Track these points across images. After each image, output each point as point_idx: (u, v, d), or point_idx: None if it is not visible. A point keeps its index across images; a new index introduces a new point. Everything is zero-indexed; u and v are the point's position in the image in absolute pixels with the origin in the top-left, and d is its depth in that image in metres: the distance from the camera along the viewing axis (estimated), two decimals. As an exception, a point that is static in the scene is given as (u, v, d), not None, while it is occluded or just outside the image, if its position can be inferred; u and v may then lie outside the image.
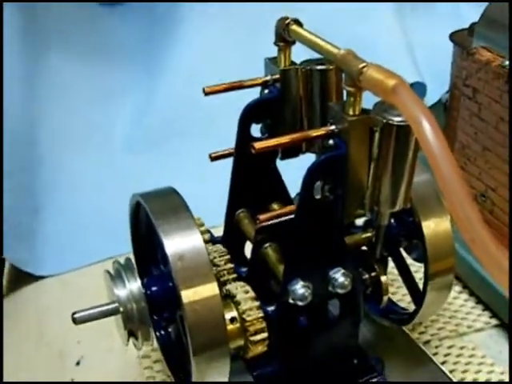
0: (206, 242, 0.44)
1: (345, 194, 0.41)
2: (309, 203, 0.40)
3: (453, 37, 0.64)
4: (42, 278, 0.65)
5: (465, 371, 0.53)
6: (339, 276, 0.43)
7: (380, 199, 0.41)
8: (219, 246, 0.46)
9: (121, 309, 0.42)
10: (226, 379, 0.42)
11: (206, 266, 0.40)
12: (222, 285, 0.43)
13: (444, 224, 0.45)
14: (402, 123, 0.39)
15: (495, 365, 0.54)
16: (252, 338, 0.42)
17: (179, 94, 0.79)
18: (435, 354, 0.55)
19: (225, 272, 0.44)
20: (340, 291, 0.43)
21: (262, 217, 0.42)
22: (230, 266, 0.44)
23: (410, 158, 0.40)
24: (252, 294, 0.42)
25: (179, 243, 0.40)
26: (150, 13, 0.87)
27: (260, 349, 0.42)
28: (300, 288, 0.42)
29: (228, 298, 0.42)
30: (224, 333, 0.40)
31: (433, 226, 0.45)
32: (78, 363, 0.56)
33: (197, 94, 0.47)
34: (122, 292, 0.42)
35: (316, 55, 0.43)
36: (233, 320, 0.42)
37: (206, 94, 0.46)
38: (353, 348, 0.48)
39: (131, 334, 0.43)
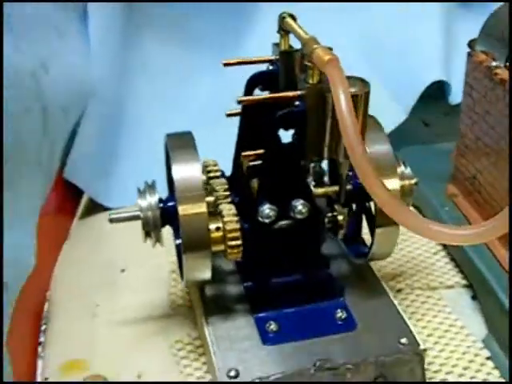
0: (216, 177, 0.59)
1: (305, 142, 0.54)
2: (274, 147, 0.54)
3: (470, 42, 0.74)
4: (109, 209, 0.80)
5: (424, 314, 0.64)
6: (299, 204, 0.56)
7: (337, 151, 0.54)
8: (223, 180, 0.59)
9: (141, 215, 0.57)
10: (208, 276, 0.56)
11: (199, 189, 0.54)
12: (217, 206, 0.57)
13: (393, 183, 0.57)
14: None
15: (453, 314, 0.64)
16: (229, 243, 0.54)
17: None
18: (404, 298, 0.66)
19: (221, 197, 0.57)
20: (299, 216, 0.55)
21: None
22: (226, 193, 0.57)
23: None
24: (234, 211, 0.55)
25: (181, 171, 0.54)
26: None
27: (236, 254, 0.55)
28: (266, 209, 0.55)
29: (218, 214, 0.56)
30: (207, 238, 0.54)
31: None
32: (122, 270, 0.71)
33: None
34: (143, 203, 0.57)
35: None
36: (218, 229, 0.55)
37: (225, 65, 0.58)
38: (317, 270, 0.60)
39: (148, 234, 0.57)
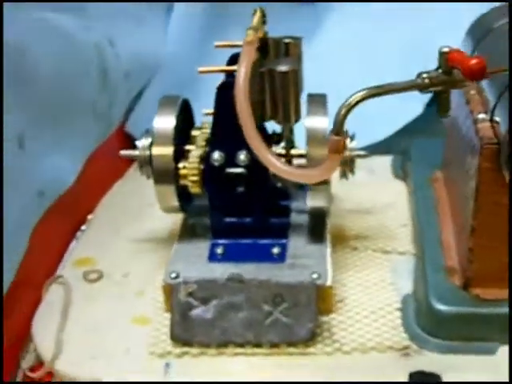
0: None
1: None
2: (223, 108, 0.69)
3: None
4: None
5: (365, 269, 0.77)
6: (241, 154, 0.71)
7: (277, 115, 0.70)
8: (206, 136, 0.76)
9: (137, 153, 0.75)
10: (176, 205, 0.74)
11: (169, 136, 0.71)
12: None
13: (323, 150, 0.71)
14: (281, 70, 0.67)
15: (389, 273, 0.76)
16: (190, 178, 0.72)
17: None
18: (355, 255, 0.79)
19: (199, 146, 0.74)
20: (242, 164, 0.71)
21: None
22: (203, 144, 0.74)
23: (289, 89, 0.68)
24: (198, 156, 0.72)
25: (159, 122, 0.73)
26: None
27: (196, 188, 0.72)
28: (215, 155, 0.71)
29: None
30: (171, 173, 0.72)
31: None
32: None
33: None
34: (139, 144, 0.75)
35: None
36: (184, 167, 0.73)
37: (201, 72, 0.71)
38: (265, 215, 0.76)
39: (141, 168, 0.76)
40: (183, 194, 0.75)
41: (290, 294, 0.67)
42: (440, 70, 0.57)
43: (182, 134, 0.75)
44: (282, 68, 0.66)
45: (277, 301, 0.67)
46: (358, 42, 1.07)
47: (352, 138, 0.73)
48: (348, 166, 0.73)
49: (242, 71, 0.61)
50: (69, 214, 0.82)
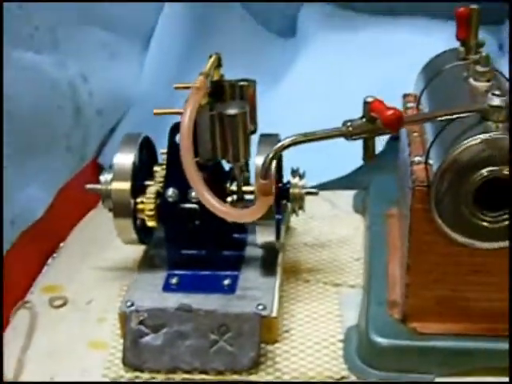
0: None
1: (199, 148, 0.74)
2: (175, 148, 0.73)
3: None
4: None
5: (314, 301, 0.81)
6: (193, 191, 0.73)
7: (227, 155, 0.74)
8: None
9: (100, 186, 0.80)
10: (134, 238, 0.78)
11: (128, 173, 0.76)
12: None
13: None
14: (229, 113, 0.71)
15: (337, 305, 0.80)
16: (146, 213, 0.76)
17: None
18: (306, 287, 0.83)
19: (157, 182, 0.79)
20: (194, 200, 0.75)
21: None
22: (160, 179, 0.79)
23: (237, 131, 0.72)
24: (154, 192, 0.76)
25: (120, 158, 0.78)
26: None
27: (152, 221, 0.77)
28: (169, 191, 0.76)
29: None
30: (129, 208, 0.76)
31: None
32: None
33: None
34: (102, 178, 0.80)
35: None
36: (141, 202, 0.77)
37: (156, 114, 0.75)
38: (218, 248, 0.80)
39: (103, 201, 0.80)
40: (143, 227, 0.79)
41: (234, 323, 0.71)
42: (364, 119, 0.60)
43: (143, 169, 0.79)
44: (231, 111, 0.70)
45: (222, 330, 0.71)
46: (330, 77, 1.11)
47: (302, 177, 0.77)
48: (297, 203, 0.77)
49: (187, 115, 0.66)
50: (41, 242, 0.87)
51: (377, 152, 1.00)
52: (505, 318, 0.67)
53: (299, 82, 1.14)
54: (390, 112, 0.56)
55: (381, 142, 0.97)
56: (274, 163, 0.63)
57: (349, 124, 0.60)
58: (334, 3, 1.28)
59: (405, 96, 0.82)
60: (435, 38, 0.98)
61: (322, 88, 1.08)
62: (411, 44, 1.09)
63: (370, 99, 0.58)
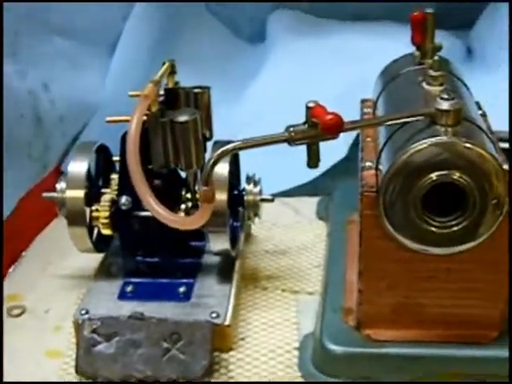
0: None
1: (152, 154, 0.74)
2: (124, 157, 0.73)
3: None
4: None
5: (271, 308, 0.81)
6: None
7: (179, 162, 0.74)
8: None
9: (55, 195, 0.79)
10: (89, 246, 0.78)
11: (81, 181, 0.76)
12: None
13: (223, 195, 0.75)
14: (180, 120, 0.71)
15: (294, 313, 0.79)
16: (101, 220, 0.76)
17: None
18: (264, 294, 0.83)
19: (112, 190, 0.79)
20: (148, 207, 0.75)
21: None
22: (115, 187, 0.78)
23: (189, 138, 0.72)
24: (109, 200, 0.76)
25: (74, 167, 0.77)
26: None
27: (107, 229, 0.77)
28: (122, 199, 0.75)
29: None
30: (84, 216, 0.76)
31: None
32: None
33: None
34: (58, 187, 0.80)
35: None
36: (96, 210, 0.77)
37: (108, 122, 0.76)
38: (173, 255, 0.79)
39: (60, 210, 0.80)
40: (100, 235, 0.78)
41: (186, 332, 0.71)
42: (306, 124, 0.60)
43: (100, 177, 0.78)
44: (181, 118, 0.70)
45: (174, 338, 0.70)
46: (297, 83, 1.11)
47: (257, 183, 0.76)
48: (252, 210, 0.76)
49: (133, 124, 0.66)
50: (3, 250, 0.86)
51: (340, 157, 1.02)
52: (458, 325, 0.67)
53: (266, 88, 1.14)
54: (329, 117, 0.56)
55: (344, 147, 0.98)
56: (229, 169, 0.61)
57: (291, 129, 0.59)
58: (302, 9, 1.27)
59: (363, 101, 0.82)
60: (403, 43, 0.98)
61: (289, 94, 1.08)
62: (379, 49, 1.09)
63: (311, 104, 0.58)
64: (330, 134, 0.57)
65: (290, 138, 0.59)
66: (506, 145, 0.75)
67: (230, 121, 1.06)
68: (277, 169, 0.96)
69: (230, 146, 0.60)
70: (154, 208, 0.65)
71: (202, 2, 1.32)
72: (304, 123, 0.59)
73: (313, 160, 0.60)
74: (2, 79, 0.77)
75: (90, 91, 1.05)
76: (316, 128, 0.58)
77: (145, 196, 0.65)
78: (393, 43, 1.09)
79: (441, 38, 0.77)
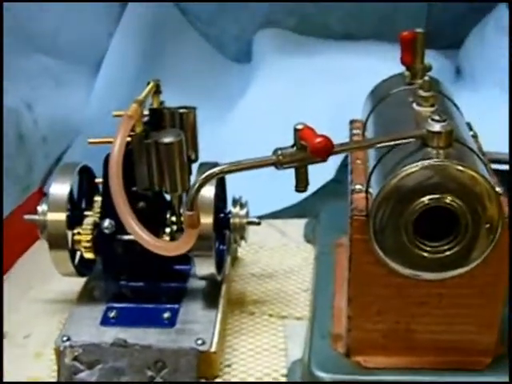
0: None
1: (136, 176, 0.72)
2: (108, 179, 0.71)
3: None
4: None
5: (257, 334, 0.79)
6: None
7: (164, 185, 0.72)
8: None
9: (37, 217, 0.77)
10: (71, 270, 0.75)
11: (64, 205, 0.74)
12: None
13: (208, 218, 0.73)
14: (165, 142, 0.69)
15: (282, 338, 0.77)
16: (83, 244, 0.74)
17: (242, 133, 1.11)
18: (251, 319, 0.81)
19: (95, 213, 0.77)
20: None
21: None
22: (98, 210, 0.77)
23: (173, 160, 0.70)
24: (91, 223, 0.74)
25: (56, 189, 0.75)
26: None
27: (89, 253, 0.75)
28: (105, 222, 0.73)
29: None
30: (66, 240, 0.74)
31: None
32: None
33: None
34: (39, 209, 0.78)
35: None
36: (78, 233, 0.75)
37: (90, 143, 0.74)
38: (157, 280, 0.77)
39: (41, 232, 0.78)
40: (83, 259, 0.76)
41: (170, 359, 0.69)
42: (295, 147, 0.58)
43: (83, 199, 0.76)
44: (166, 140, 0.68)
45: (158, 366, 0.68)
46: (284, 103, 1.09)
47: (243, 206, 0.75)
48: (238, 233, 0.74)
49: (116, 145, 0.64)
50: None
51: (328, 179, 1.00)
52: (450, 351, 0.66)
53: (253, 108, 1.13)
54: (318, 140, 0.54)
55: (332, 169, 0.96)
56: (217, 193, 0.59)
57: (279, 152, 0.57)
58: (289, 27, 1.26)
59: (352, 122, 0.80)
60: (392, 63, 0.96)
61: (276, 114, 1.07)
62: (367, 69, 1.08)
63: (299, 126, 0.56)
64: (319, 157, 0.55)
65: (278, 161, 0.57)
66: (499, 166, 0.73)
67: (215, 141, 1.04)
68: (263, 190, 0.94)
69: (215, 170, 0.58)
70: (137, 233, 0.63)
71: (188, 21, 1.31)
72: (292, 146, 0.57)
73: (301, 183, 0.59)
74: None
75: (74, 111, 1.03)
76: (304, 151, 0.57)
77: (127, 220, 0.63)
78: (381, 62, 1.08)
79: (430, 57, 0.75)
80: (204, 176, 0.57)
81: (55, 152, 1.01)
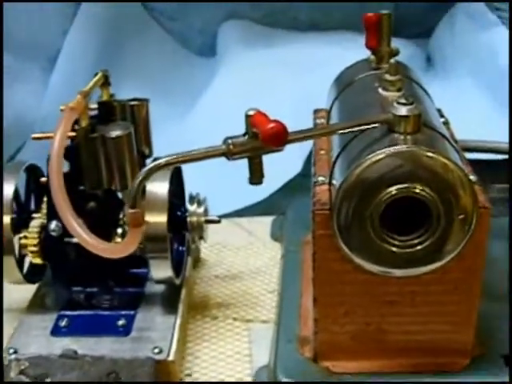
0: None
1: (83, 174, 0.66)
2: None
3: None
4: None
5: (220, 339, 0.74)
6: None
7: (113, 183, 0.67)
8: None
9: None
10: (18, 277, 0.70)
11: (8, 207, 0.68)
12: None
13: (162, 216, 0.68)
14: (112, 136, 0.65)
15: (247, 343, 0.73)
16: (29, 249, 0.69)
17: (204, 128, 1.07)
18: (214, 324, 0.75)
19: (42, 216, 0.71)
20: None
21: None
22: (44, 213, 0.71)
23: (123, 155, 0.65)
24: (38, 226, 0.69)
25: None
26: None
27: (36, 257, 0.69)
28: (52, 224, 0.68)
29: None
30: (11, 244, 0.68)
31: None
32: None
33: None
34: None
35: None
36: (26, 238, 0.69)
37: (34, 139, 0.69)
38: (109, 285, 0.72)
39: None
40: (33, 264, 0.72)
41: (125, 370, 0.64)
42: (247, 135, 0.53)
43: (30, 201, 0.72)
44: (114, 133, 0.63)
45: (112, 378, 0.64)
46: (249, 95, 1.05)
47: (201, 203, 0.70)
48: (197, 233, 0.70)
49: (56, 140, 0.59)
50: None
51: (294, 173, 0.96)
52: (425, 353, 0.62)
53: (217, 101, 1.09)
54: (271, 126, 0.49)
55: (299, 163, 0.92)
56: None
57: (230, 141, 0.52)
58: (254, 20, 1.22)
59: (315, 112, 0.75)
60: (359, 52, 0.92)
61: (241, 107, 1.01)
62: (333, 59, 1.03)
63: (251, 112, 0.51)
64: (273, 145, 0.50)
65: (229, 151, 0.52)
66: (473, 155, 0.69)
67: (178, 137, 0.99)
68: (228, 187, 0.90)
69: (161, 161, 0.53)
70: (78, 234, 0.58)
71: (151, 16, 1.26)
72: (244, 134, 0.52)
73: (255, 176, 0.54)
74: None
75: (29, 108, 0.98)
76: (257, 139, 0.51)
77: (68, 220, 0.58)
78: (349, 52, 1.03)
79: (400, 46, 0.71)
80: (148, 168, 0.52)
81: (9, 151, 0.96)
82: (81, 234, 0.58)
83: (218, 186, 0.87)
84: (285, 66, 1.11)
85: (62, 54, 1.09)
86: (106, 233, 0.67)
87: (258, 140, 0.51)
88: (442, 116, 0.68)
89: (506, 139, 0.85)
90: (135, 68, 1.17)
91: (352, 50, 0.99)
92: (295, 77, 1.08)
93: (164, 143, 0.78)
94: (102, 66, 1.02)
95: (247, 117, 0.51)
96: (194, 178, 0.76)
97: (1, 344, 0.67)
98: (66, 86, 1.06)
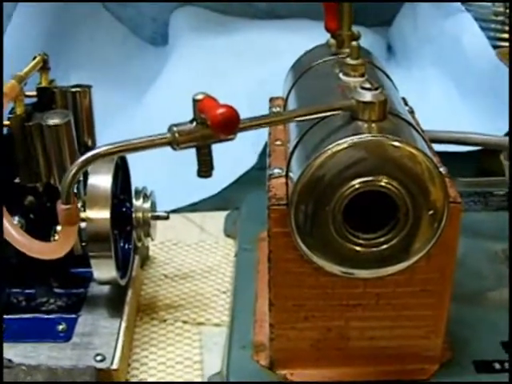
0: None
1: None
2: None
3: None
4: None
5: (169, 344, 0.69)
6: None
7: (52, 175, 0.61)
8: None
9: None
10: None
11: None
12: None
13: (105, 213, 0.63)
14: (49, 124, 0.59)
15: (198, 348, 0.68)
16: None
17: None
18: (163, 328, 0.71)
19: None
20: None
21: None
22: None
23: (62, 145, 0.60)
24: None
25: None
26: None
27: None
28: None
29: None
30: None
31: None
32: None
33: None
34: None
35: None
36: None
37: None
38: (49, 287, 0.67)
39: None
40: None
41: (65, 379, 0.58)
42: (194, 122, 0.48)
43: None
44: (52, 121, 0.58)
45: (44, 387, 0.58)
46: (202, 84, 1.00)
47: (147, 197, 0.65)
48: (143, 229, 0.64)
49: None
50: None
51: (249, 166, 0.91)
52: (391, 360, 0.58)
53: (166, 90, 1.04)
54: (220, 111, 0.44)
55: (254, 155, 0.88)
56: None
57: (175, 129, 0.47)
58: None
59: (271, 99, 0.71)
60: (319, 40, 0.88)
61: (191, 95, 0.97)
62: (291, 47, 0.99)
63: (199, 96, 0.46)
64: (223, 132, 0.45)
65: (174, 140, 0.47)
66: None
67: (128, 128, 0.94)
68: (178, 181, 0.85)
69: (99, 150, 0.47)
70: (7, 232, 0.52)
71: (101, 4, 1.21)
72: (191, 121, 0.47)
73: (204, 167, 0.49)
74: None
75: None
76: (206, 126, 0.46)
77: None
78: (308, 40, 0.99)
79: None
80: (84, 158, 0.47)
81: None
82: (10, 232, 0.52)
83: (168, 179, 0.83)
84: (240, 54, 1.08)
85: (5, 40, 1.03)
86: (45, 230, 0.62)
87: (207, 127, 0.46)
88: (406, 104, 0.64)
89: (472, 130, 0.81)
90: (84, 56, 1.12)
91: (310, 38, 0.95)
92: (250, 65, 1.04)
93: (113, 134, 0.73)
94: (49, 53, 0.98)
95: (195, 102, 0.46)
96: (142, 170, 0.72)
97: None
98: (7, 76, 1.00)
